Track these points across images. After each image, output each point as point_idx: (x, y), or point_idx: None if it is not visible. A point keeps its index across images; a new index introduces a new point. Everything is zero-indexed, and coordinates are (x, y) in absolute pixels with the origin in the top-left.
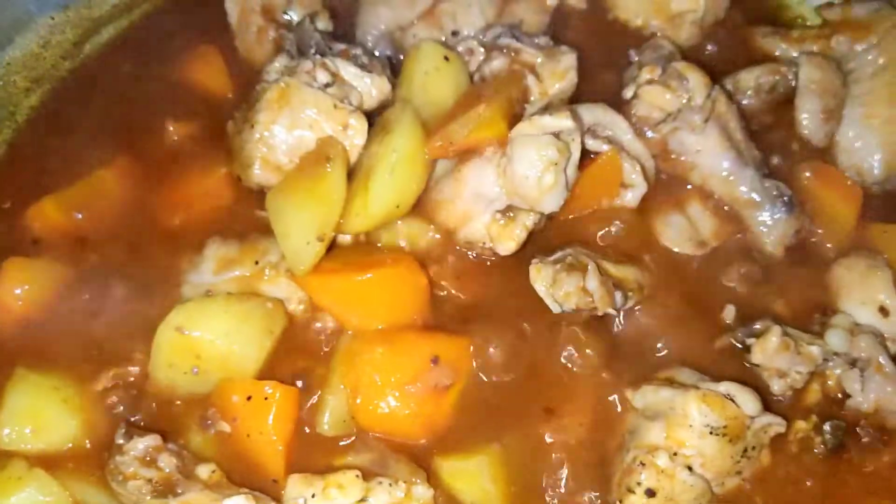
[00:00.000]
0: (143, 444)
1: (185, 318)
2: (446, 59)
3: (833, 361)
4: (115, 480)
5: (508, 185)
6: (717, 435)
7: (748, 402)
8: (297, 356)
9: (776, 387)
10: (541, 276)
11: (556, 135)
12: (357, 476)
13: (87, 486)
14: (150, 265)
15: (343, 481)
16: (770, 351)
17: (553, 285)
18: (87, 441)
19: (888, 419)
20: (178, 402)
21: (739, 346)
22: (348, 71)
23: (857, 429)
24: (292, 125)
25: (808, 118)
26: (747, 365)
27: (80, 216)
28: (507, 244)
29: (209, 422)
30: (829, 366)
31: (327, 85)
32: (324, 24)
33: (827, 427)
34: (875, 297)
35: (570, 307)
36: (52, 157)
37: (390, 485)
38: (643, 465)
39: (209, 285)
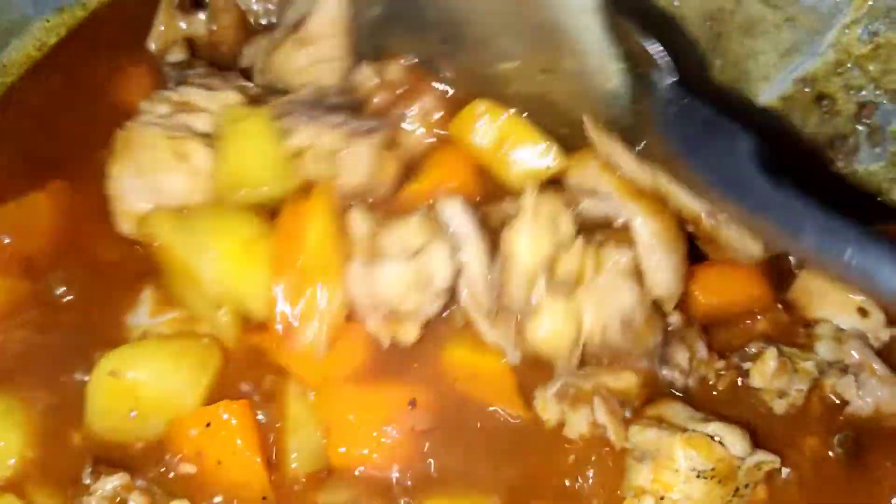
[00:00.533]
0: (111, 483)
1: (118, 362)
2: None
3: (826, 372)
4: None
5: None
6: (705, 478)
7: (736, 443)
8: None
9: (778, 408)
10: (549, 412)
11: None
12: None
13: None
14: (88, 301)
15: None
16: (769, 373)
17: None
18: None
19: (888, 420)
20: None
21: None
22: (194, 94)
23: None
24: (140, 171)
25: None
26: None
27: (7, 240)
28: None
29: (166, 468)
30: (824, 377)
31: (165, 116)
32: (175, 56)
33: (836, 440)
34: (850, 300)
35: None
36: None
37: None
38: None
39: (146, 327)
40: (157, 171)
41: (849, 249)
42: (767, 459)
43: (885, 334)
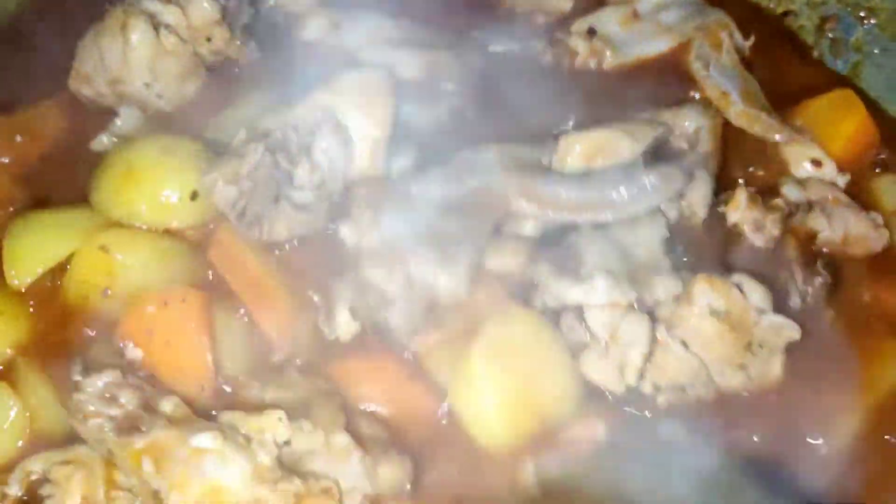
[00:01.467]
0: (102, 380)
1: (112, 239)
2: None
3: (795, 213)
4: (75, 419)
5: None
6: (718, 318)
7: (755, 292)
8: None
9: (758, 241)
10: None
11: None
12: (280, 419)
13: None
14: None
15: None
16: (742, 205)
17: None
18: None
19: (858, 245)
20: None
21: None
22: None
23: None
24: (95, 38)
25: None
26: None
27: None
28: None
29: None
30: (793, 218)
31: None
32: None
33: (819, 264)
34: (803, 153)
35: None
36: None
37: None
38: None
39: None
40: (103, 37)
41: None
42: (787, 325)
43: (840, 180)
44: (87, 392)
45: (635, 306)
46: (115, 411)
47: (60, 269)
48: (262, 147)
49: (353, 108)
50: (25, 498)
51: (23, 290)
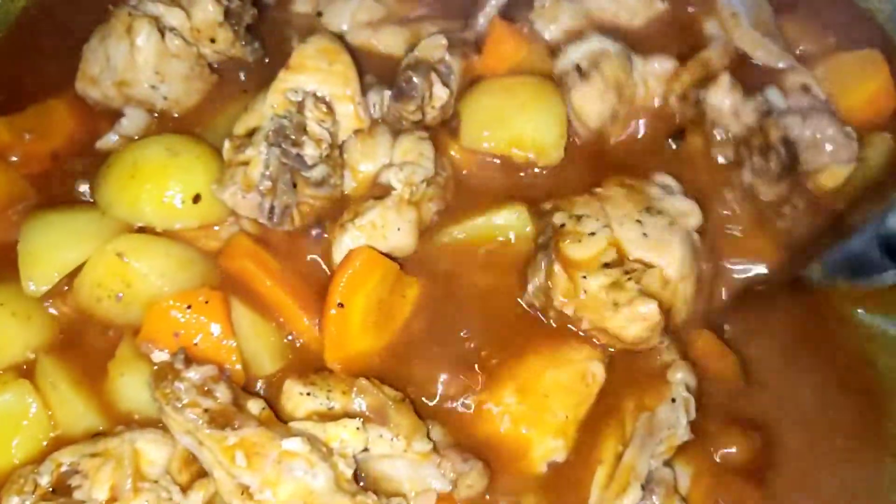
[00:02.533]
0: (200, 373)
1: (128, 247)
2: None
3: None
4: (171, 405)
5: None
6: None
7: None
8: None
9: (733, 126)
10: None
11: None
12: (358, 428)
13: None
14: None
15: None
16: (724, 89)
17: None
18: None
19: (827, 153)
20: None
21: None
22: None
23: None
24: (101, 40)
25: None
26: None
27: (28, 136)
28: None
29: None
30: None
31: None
32: None
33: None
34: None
35: None
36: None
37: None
38: None
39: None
40: (109, 40)
41: None
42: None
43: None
44: (187, 381)
45: None
46: (209, 404)
47: (75, 273)
48: (264, 143)
49: (318, 77)
50: (52, 490)
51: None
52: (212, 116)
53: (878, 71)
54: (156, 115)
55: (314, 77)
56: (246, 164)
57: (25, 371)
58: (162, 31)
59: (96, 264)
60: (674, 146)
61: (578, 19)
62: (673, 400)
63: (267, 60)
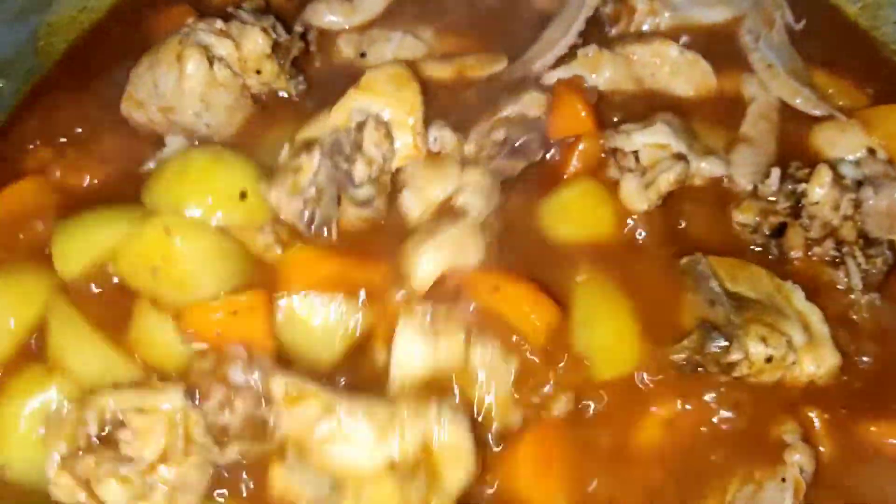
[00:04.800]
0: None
1: (176, 224)
2: None
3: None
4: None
5: None
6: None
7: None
8: None
9: (835, 219)
10: None
11: None
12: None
13: None
14: None
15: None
16: (825, 181)
17: None
18: None
19: None
20: None
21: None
22: (234, 26)
23: None
24: (150, 66)
25: None
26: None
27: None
28: None
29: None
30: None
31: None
32: (249, 3)
33: (885, 247)
34: (859, 142)
35: None
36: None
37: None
38: None
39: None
40: (158, 66)
41: None
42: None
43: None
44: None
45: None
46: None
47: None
48: (318, 153)
49: (384, 101)
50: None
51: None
52: (249, 145)
53: None
54: (196, 142)
55: (381, 100)
56: (298, 170)
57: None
58: (211, 60)
59: (143, 234)
60: (772, 243)
61: (624, 80)
62: (783, 479)
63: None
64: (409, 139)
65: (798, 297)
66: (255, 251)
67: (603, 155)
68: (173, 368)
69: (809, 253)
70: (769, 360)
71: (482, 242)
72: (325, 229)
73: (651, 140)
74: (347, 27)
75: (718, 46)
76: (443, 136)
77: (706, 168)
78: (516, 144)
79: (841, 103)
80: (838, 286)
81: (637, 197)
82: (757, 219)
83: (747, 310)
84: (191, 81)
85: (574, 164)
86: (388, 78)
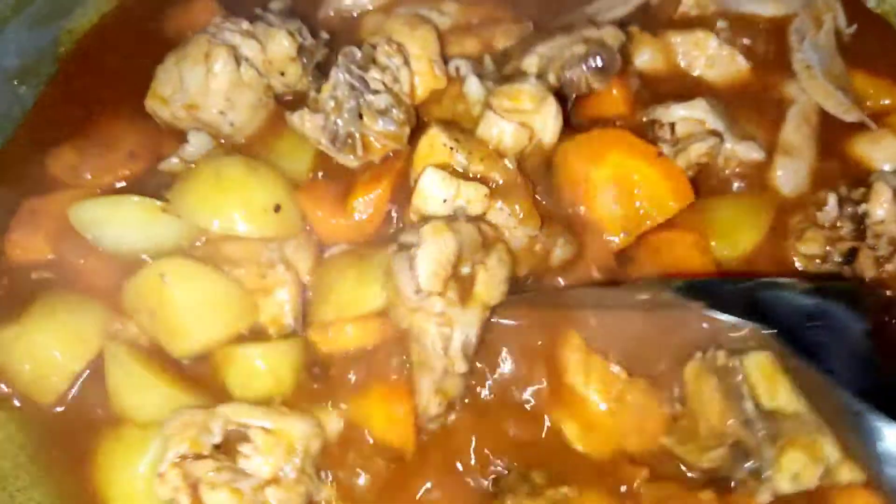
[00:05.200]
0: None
1: (173, 272)
2: None
3: None
4: None
5: None
6: None
7: None
8: None
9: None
10: None
11: None
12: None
13: None
14: None
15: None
16: (885, 198)
17: None
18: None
19: None
20: None
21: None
22: (259, 28)
23: None
24: (177, 62)
25: None
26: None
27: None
28: None
29: None
30: None
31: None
32: (276, 4)
33: None
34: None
35: None
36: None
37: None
38: None
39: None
40: (185, 63)
41: None
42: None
43: None
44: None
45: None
46: None
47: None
48: (335, 69)
49: (402, 34)
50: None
51: None
52: (271, 143)
53: None
54: (222, 140)
55: (397, 35)
56: (319, 92)
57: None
58: (238, 60)
59: (142, 275)
60: (845, 269)
61: (663, 64)
62: None
63: None
64: (424, 66)
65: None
66: (252, 291)
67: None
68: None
69: (881, 270)
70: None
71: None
72: (350, 148)
73: (689, 114)
74: (371, 7)
75: (765, 43)
76: (461, 66)
77: (742, 150)
78: (597, 60)
79: (886, 102)
80: None
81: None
82: (827, 248)
83: (782, 434)
84: (217, 80)
85: None
86: (403, 21)
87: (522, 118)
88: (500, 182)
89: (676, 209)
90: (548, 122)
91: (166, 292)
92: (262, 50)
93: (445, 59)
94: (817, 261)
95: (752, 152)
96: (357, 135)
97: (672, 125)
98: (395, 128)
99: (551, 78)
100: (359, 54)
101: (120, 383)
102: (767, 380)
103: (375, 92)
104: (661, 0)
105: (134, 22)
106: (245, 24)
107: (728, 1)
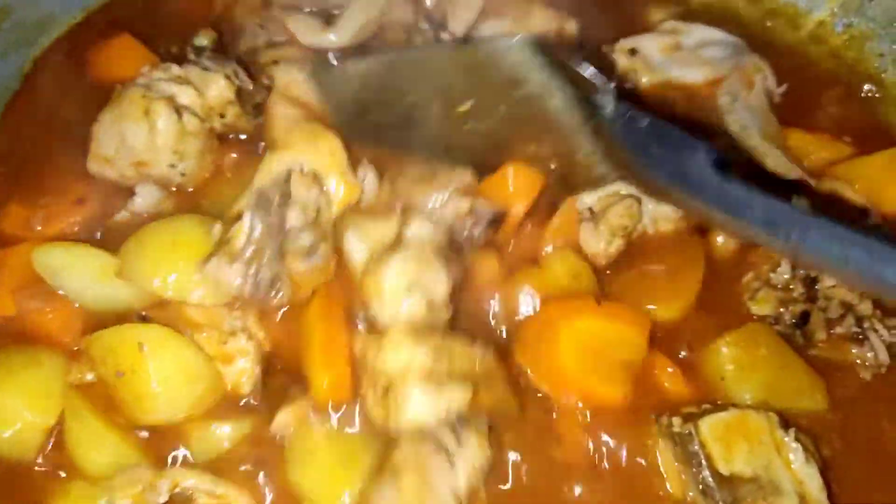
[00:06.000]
0: None
1: (152, 341)
2: None
3: None
4: None
5: None
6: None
7: None
8: None
9: (852, 297)
10: None
11: None
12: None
13: None
14: None
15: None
16: None
17: None
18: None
19: None
20: None
21: None
22: (192, 72)
23: None
24: (115, 119)
25: None
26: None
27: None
28: None
29: None
30: None
31: (157, 80)
32: (201, 40)
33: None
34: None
35: None
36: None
37: None
38: None
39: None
40: (126, 123)
41: (795, 230)
42: None
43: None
44: None
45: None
46: None
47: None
48: (248, 213)
49: (303, 155)
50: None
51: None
52: (217, 187)
53: None
54: (173, 188)
55: (300, 154)
56: (231, 239)
57: None
58: (178, 111)
59: (120, 334)
60: (797, 332)
61: None
62: None
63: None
64: (338, 183)
65: (798, 459)
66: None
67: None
68: None
69: (832, 332)
70: None
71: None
72: (273, 291)
73: (603, 192)
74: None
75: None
76: (368, 177)
77: (665, 209)
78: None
79: (824, 154)
80: (865, 363)
81: (593, 239)
82: (780, 310)
83: (741, 500)
84: (163, 136)
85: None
86: (301, 133)
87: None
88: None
89: (645, 342)
90: (437, 288)
91: (143, 362)
92: (199, 95)
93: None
94: (770, 322)
95: (673, 211)
96: (281, 280)
97: (590, 209)
98: (321, 262)
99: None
100: (275, 197)
101: (77, 436)
102: (722, 444)
103: (298, 233)
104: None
105: (57, 68)
106: (175, 69)
107: (659, 69)
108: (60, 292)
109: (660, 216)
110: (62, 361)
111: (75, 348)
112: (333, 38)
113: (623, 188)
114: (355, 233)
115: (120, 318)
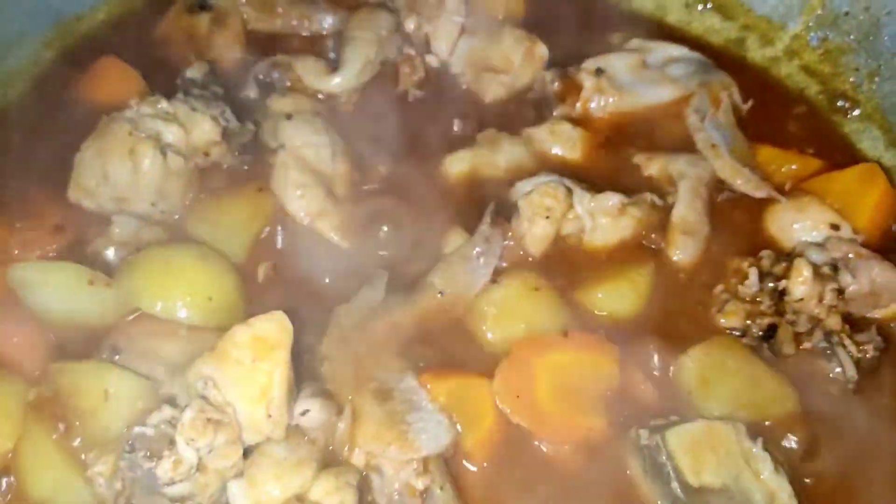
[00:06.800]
0: None
1: (118, 388)
2: None
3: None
4: None
5: None
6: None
7: None
8: None
9: (820, 312)
10: None
11: None
12: None
13: None
14: None
15: None
16: (806, 276)
17: None
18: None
19: (885, 294)
20: None
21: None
22: (180, 108)
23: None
24: (99, 153)
25: None
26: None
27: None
28: None
29: None
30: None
31: (144, 116)
32: (193, 72)
33: (874, 333)
34: (821, 218)
35: None
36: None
37: None
38: None
39: None
40: (110, 158)
41: None
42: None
43: (858, 237)
44: None
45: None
46: None
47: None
48: (124, 450)
49: (235, 372)
50: None
51: None
52: (196, 220)
53: (878, 181)
54: (153, 222)
55: (231, 370)
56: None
57: None
58: (163, 151)
59: (86, 379)
60: (765, 346)
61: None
62: None
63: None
64: (259, 414)
65: (767, 468)
66: None
67: None
68: None
69: (800, 346)
70: None
71: None
72: None
73: (532, 185)
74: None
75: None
76: (312, 412)
77: (602, 199)
78: None
79: (793, 167)
80: (831, 376)
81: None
82: (748, 322)
83: None
84: (147, 177)
85: None
86: (250, 340)
87: None
88: None
89: (616, 369)
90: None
91: (104, 408)
92: (185, 133)
93: None
94: (738, 334)
95: (609, 200)
96: None
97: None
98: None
99: None
100: (153, 440)
101: (29, 463)
102: (690, 455)
103: (169, 484)
104: (559, 96)
105: (42, 91)
106: (163, 104)
107: (626, 89)
108: (31, 309)
109: (598, 210)
110: (22, 382)
111: (37, 373)
112: (339, 81)
113: (553, 177)
114: (243, 485)
115: (89, 340)
